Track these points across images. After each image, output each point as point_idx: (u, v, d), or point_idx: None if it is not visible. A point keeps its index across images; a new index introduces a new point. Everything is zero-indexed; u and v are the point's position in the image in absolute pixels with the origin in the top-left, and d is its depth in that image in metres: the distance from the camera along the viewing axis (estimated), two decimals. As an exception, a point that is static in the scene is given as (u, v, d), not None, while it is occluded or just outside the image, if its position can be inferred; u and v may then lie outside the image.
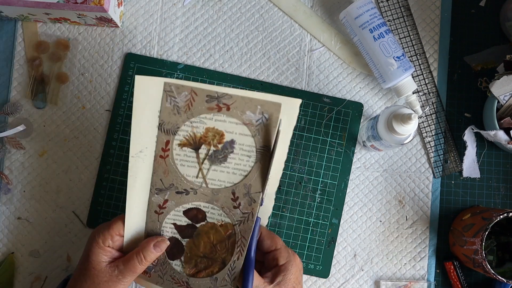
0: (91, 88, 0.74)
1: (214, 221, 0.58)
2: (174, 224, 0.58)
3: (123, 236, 0.58)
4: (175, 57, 0.74)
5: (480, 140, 0.73)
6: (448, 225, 0.72)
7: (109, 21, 0.71)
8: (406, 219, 0.73)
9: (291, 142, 0.73)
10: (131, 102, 0.73)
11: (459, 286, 0.70)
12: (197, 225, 0.58)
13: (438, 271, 0.72)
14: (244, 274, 0.57)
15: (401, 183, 0.73)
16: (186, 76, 0.74)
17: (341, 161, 0.73)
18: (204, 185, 0.56)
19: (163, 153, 0.55)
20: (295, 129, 0.71)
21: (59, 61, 0.73)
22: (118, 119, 0.73)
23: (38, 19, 0.73)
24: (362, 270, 0.72)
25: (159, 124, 0.54)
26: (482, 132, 0.69)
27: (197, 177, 0.56)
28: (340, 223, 0.72)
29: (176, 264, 0.59)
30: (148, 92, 0.54)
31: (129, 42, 0.74)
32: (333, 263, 0.72)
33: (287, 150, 0.56)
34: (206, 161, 0.56)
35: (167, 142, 0.55)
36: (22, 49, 0.74)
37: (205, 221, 0.58)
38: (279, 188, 0.72)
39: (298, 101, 0.53)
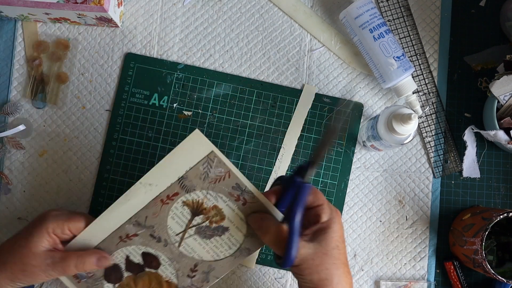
0: (91, 88, 0.74)
1: (163, 276, 0.60)
2: (127, 257, 0.59)
3: (75, 235, 0.58)
4: (175, 57, 0.74)
5: (480, 140, 0.73)
6: (448, 225, 0.72)
7: (109, 21, 0.71)
8: (406, 219, 0.73)
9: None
10: (131, 102, 0.73)
11: (459, 286, 0.70)
12: (146, 269, 0.60)
13: (438, 271, 0.72)
14: (287, 244, 0.52)
15: (401, 183, 0.73)
16: (186, 76, 0.74)
17: (341, 161, 0.73)
18: (177, 244, 0.58)
19: (165, 199, 0.57)
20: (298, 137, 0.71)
21: (59, 61, 0.73)
22: (118, 119, 0.73)
23: (38, 19, 0.73)
24: (362, 270, 0.72)
25: (182, 176, 0.57)
26: (482, 132, 0.69)
27: (176, 235, 0.58)
28: (340, 223, 0.72)
29: (108, 287, 0.60)
30: (195, 147, 0.56)
31: (129, 42, 0.74)
32: (333, 263, 0.72)
33: None
34: (193, 228, 0.58)
35: (176, 194, 0.57)
36: (22, 49, 0.74)
37: (155, 270, 0.59)
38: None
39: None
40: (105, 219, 0.58)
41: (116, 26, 0.73)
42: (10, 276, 0.56)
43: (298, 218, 0.52)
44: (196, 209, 0.58)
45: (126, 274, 0.60)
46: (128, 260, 0.59)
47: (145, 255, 0.59)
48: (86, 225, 0.58)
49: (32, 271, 0.56)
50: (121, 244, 0.59)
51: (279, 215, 0.56)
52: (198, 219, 0.58)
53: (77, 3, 0.65)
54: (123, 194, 0.57)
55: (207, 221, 0.58)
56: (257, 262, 0.71)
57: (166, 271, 0.59)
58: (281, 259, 0.52)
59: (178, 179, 0.56)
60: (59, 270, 0.56)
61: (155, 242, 0.58)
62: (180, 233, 0.58)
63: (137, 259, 0.59)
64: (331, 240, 0.53)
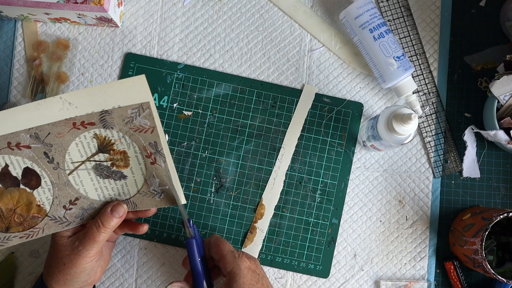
0: (91, 88, 0.74)
1: (36, 196, 0.56)
2: (6, 166, 0.54)
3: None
4: (175, 57, 0.74)
5: (480, 140, 0.73)
6: (448, 225, 0.72)
7: (109, 21, 0.71)
8: (406, 219, 0.73)
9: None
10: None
11: (459, 286, 0.70)
12: (21, 186, 0.55)
13: (438, 271, 0.72)
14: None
15: (401, 183, 0.73)
16: (186, 76, 0.74)
17: (341, 161, 0.73)
18: (68, 172, 0.56)
19: (79, 124, 0.54)
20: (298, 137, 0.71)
21: (59, 61, 0.73)
22: (118, 119, 0.73)
23: (38, 19, 0.73)
24: (362, 270, 0.72)
25: (106, 110, 0.54)
26: (482, 132, 0.69)
27: (72, 162, 0.55)
28: (340, 223, 0.72)
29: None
30: (134, 90, 0.54)
31: (129, 42, 0.74)
32: (333, 263, 0.72)
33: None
34: (93, 163, 0.56)
35: (91, 123, 0.54)
36: (22, 49, 0.74)
37: (31, 190, 0.56)
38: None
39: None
40: (2, 117, 0.52)
41: (116, 26, 0.73)
42: (61, 278, 0.58)
43: (198, 269, 0.59)
44: (104, 146, 0.55)
45: None
46: (5, 170, 0.54)
47: (27, 170, 0.55)
48: None
49: (70, 260, 0.57)
50: (6, 150, 0.53)
51: (178, 191, 0.59)
52: (101, 156, 0.56)
53: (77, 3, 0.65)
54: (35, 102, 0.53)
55: (110, 162, 0.56)
56: (257, 262, 0.71)
57: (43, 194, 0.56)
58: None
59: (101, 111, 0.54)
60: (89, 243, 0.57)
61: (45, 162, 0.54)
62: (77, 162, 0.55)
63: (16, 172, 0.55)
64: (243, 286, 0.57)
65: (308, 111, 0.73)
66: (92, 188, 0.57)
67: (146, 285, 0.71)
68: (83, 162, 0.56)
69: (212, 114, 0.73)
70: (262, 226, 0.71)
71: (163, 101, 0.73)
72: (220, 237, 0.62)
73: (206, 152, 0.72)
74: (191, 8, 0.75)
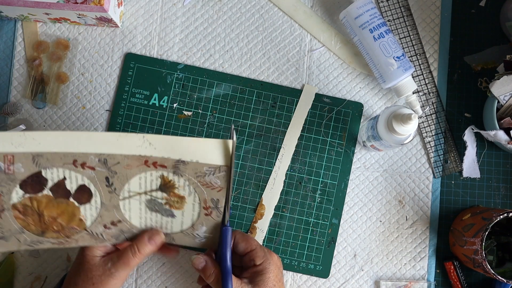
0: (91, 88, 0.74)
1: (81, 212, 0.56)
2: (64, 179, 0.54)
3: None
4: (175, 57, 0.74)
5: (480, 140, 0.73)
6: (448, 225, 0.72)
7: (109, 21, 0.71)
8: (406, 219, 0.73)
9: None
10: (131, 102, 0.73)
11: (459, 286, 0.70)
12: (70, 199, 0.55)
13: (438, 271, 0.72)
14: (222, 283, 0.57)
15: (401, 183, 0.73)
16: (186, 76, 0.74)
17: (341, 161, 0.73)
18: (121, 197, 0.56)
19: (150, 163, 0.55)
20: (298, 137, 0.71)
21: (59, 61, 0.73)
22: (118, 119, 0.73)
23: (38, 19, 0.73)
24: (362, 270, 0.72)
25: (183, 161, 0.55)
26: (482, 132, 0.69)
27: (129, 191, 0.56)
28: (340, 223, 0.72)
29: (17, 192, 0.54)
30: (217, 151, 0.55)
31: (129, 42, 0.74)
32: (333, 263, 0.72)
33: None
34: (148, 197, 0.56)
35: (163, 166, 0.55)
36: (22, 49, 0.74)
37: (78, 205, 0.56)
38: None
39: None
40: (79, 137, 0.52)
41: (116, 26, 0.73)
42: None
43: (227, 260, 0.57)
44: (166, 188, 0.56)
45: (46, 192, 0.54)
46: (61, 182, 0.54)
47: (82, 188, 0.55)
48: None
49: (101, 281, 0.57)
50: (70, 166, 0.53)
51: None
52: (159, 194, 0.56)
53: (77, 3, 0.65)
54: (117, 132, 0.53)
55: (165, 200, 0.57)
56: (257, 262, 0.71)
57: (89, 211, 0.56)
58: None
59: (178, 160, 0.54)
60: (122, 267, 0.57)
61: (104, 185, 0.55)
62: (134, 192, 0.56)
63: (71, 186, 0.55)
64: (267, 281, 0.58)
65: (308, 111, 0.73)
66: (137, 215, 0.58)
67: (146, 285, 0.71)
68: (139, 193, 0.56)
69: (212, 114, 0.73)
70: (262, 226, 0.71)
71: (163, 101, 0.73)
72: (245, 233, 0.62)
73: (206, 152, 0.72)
74: (191, 8, 0.75)
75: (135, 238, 0.59)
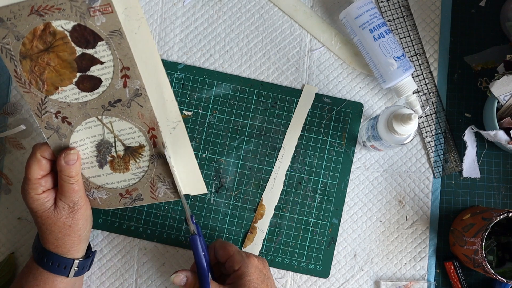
0: (91, 88, 0.74)
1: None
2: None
3: (45, 174, 0.58)
4: (175, 57, 0.74)
5: (480, 140, 0.73)
6: (448, 225, 0.72)
7: (109, 21, 0.71)
8: (406, 219, 0.73)
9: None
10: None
11: (459, 286, 0.70)
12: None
13: (438, 271, 0.72)
14: None
15: (401, 183, 0.73)
16: (186, 76, 0.74)
17: (341, 161, 0.73)
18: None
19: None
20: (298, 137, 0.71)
21: (59, 61, 0.73)
22: (118, 119, 0.73)
23: (38, 19, 0.73)
24: (362, 270, 0.72)
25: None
26: (482, 132, 0.69)
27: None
28: (340, 223, 0.72)
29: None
30: None
31: (129, 42, 0.74)
32: (333, 263, 0.72)
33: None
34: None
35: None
36: (22, 49, 0.74)
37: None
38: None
39: None
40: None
41: (116, 26, 0.73)
42: (76, 239, 0.59)
43: (202, 267, 0.59)
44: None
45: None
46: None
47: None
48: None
49: (72, 218, 0.58)
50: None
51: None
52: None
53: (77, 3, 0.65)
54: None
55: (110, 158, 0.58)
56: (257, 262, 0.71)
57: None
58: None
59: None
60: (74, 196, 0.58)
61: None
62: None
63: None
64: (248, 284, 0.59)
65: (308, 111, 0.73)
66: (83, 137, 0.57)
67: (146, 285, 0.71)
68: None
69: (212, 114, 0.73)
70: (262, 226, 0.71)
71: (163, 101, 0.73)
72: (224, 241, 0.63)
73: (206, 152, 0.72)
74: (191, 8, 0.75)
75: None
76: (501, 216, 0.62)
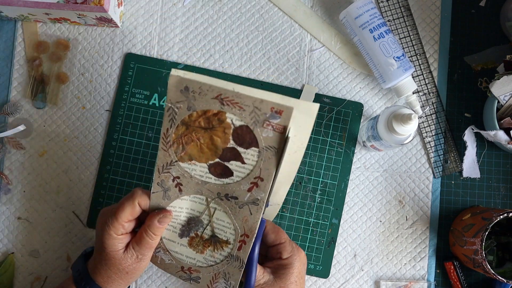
0: (91, 88, 0.74)
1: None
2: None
3: (131, 220, 0.58)
4: (175, 57, 0.74)
5: (480, 140, 0.73)
6: (448, 225, 0.72)
7: (109, 21, 0.71)
8: (406, 219, 0.73)
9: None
10: (131, 102, 0.73)
11: (459, 286, 0.70)
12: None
13: (438, 271, 0.72)
14: (247, 272, 0.58)
15: (401, 183, 0.73)
16: (186, 76, 0.74)
17: (341, 161, 0.73)
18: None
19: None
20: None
21: (59, 61, 0.73)
22: (118, 119, 0.73)
23: (38, 19, 0.73)
24: (362, 270, 0.72)
25: None
26: (482, 132, 0.69)
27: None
28: (340, 223, 0.72)
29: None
30: None
31: (129, 42, 0.74)
32: (333, 263, 0.72)
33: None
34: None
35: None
36: (22, 49, 0.74)
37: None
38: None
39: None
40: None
41: (116, 26, 0.73)
42: (123, 283, 0.60)
43: (254, 250, 0.58)
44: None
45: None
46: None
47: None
48: (145, 194, 0.58)
49: (133, 268, 0.58)
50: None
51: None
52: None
53: (77, 3, 0.65)
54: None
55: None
56: (257, 262, 0.71)
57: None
58: (243, 285, 0.58)
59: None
60: (147, 251, 0.58)
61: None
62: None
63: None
64: (290, 275, 0.59)
65: (308, 111, 0.73)
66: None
67: (146, 285, 0.71)
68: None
69: (212, 114, 0.73)
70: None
71: (163, 101, 0.73)
72: (276, 225, 0.62)
73: (206, 152, 0.72)
74: (191, 8, 0.75)
75: (146, 219, 0.58)
76: (501, 216, 0.62)
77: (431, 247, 0.72)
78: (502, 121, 0.68)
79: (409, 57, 0.74)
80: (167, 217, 0.58)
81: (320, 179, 0.72)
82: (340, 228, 0.72)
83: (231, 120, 0.51)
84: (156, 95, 0.73)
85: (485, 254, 0.63)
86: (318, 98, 0.73)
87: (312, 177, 0.72)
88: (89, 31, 0.74)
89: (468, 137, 0.72)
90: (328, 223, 0.72)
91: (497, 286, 0.70)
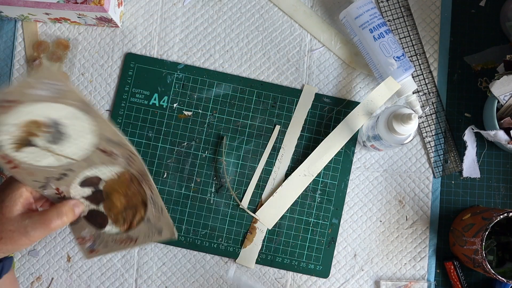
0: (91, 88, 0.74)
1: (110, 176, 0.57)
2: (82, 197, 0.58)
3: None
4: (175, 57, 0.74)
5: (480, 140, 0.73)
6: (448, 225, 0.72)
7: (109, 21, 0.71)
8: (406, 219, 0.73)
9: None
10: (131, 102, 0.73)
11: (459, 286, 0.70)
12: (100, 187, 0.58)
13: (438, 271, 0.72)
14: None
15: (401, 183, 0.73)
16: (186, 76, 0.74)
17: (341, 161, 0.73)
18: (72, 161, 0.55)
19: (9, 165, 0.53)
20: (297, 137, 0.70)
21: (59, 61, 0.73)
22: (118, 119, 0.73)
23: (38, 19, 0.73)
24: (362, 270, 0.72)
25: None
26: (482, 132, 0.69)
27: (58, 161, 0.55)
28: (340, 223, 0.72)
29: (109, 229, 0.59)
30: None
31: (129, 42, 0.74)
32: (333, 263, 0.72)
33: None
34: (53, 146, 0.54)
35: (3, 156, 0.53)
36: (22, 49, 0.74)
37: (103, 180, 0.57)
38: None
39: None
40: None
41: (116, 26, 0.73)
42: None
43: None
44: (24, 141, 0.53)
45: (101, 208, 0.59)
46: (87, 198, 0.59)
47: (83, 184, 0.57)
48: None
49: (11, 237, 0.53)
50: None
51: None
52: (40, 141, 0.54)
53: (77, 3, 0.65)
54: None
55: (42, 134, 0.54)
56: (257, 262, 0.71)
57: (105, 173, 0.58)
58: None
59: None
60: (40, 227, 0.53)
61: (67, 178, 0.57)
62: (57, 159, 0.55)
63: (87, 190, 0.58)
64: None
65: (308, 111, 0.73)
66: (81, 149, 0.56)
67: (146, 285, 0.72)
68: (56, 154, 0.55)
69: (212, 114, 0.73)
70: (262, 226, 0.71)
71: (163, 101, 0.73)
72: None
73: (206, 152, 0.72)
74: (191, 8, 0.75)
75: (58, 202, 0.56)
76: (501, 216, 0.62)
77: (431, 247, 0.72)
78: (502, 121, 0.68)
79: (409, 57, 0.74)
80: (81, 205, 0.57)
81: (320, 179, 0.72)
82: (340, 228, 0.72)
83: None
84: (156, 95, 0.73)
85: (485, 254, 0.63)
86: (318, 98, 0.73)
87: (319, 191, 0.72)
88: (89, 31, 0.74)
89: (468, 137, 0.72)
90: (328, 223, 0.72)
91: (497, 286, 0.70)
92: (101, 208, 0.59)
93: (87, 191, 0.58)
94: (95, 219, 0.59)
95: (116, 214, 0.59)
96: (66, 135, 0.54)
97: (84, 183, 0.58)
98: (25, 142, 0.53)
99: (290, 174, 0.72)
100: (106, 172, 0.57)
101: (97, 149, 0.55)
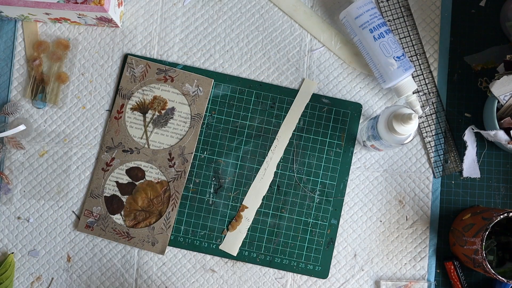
0: (91, 88, 0.74)
1: (152, 179, 0.68)
2: (117, 182, 0.68)
3: None
4: (175, 57, 0.74)
5: (480, 140, 0.73)
6: (448, 225, 0.72)
7: (109, 21, 0.71)
8: (406, 219, 0.73)
9: (290, 142, 0.73)
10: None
11: (460, 286, 0.70)
12: (136, 183, 0.68)
13: (438, 271, 0.72)
14: None
15: (401, 183, 0.73)
16: (186, 76, 0.74)
17: (340, 161, 0.73)
18: (146, 146, 0.67)
19: (117, 114, 0.67)
20: (294, 130, 0.71)
21: (59, 61, 0.74)
22: (118, 119, 0.73)
23: (38, 19, 0.73)
24: (362, 270, 0.72)
25: (118, 88, 0.70)
26: (482, 132, 0.69)
27: (141, 137, 0.68)
28: (340, 223, 0.72)
29: (117, 218, 0.68)
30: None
31: (129, 42, 0.74)
32: (333, 263, 0.72)
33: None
34: (150, 124, 0.67)
35: (122, 105, 0.68)
36: (22, 49, 0.74)
37: (144, 179, 0.68)
38: (277, 188, 0.72)
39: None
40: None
41: (116, 26, 0.73)
42: None
43: None
44: (143, 108, 0.68)
45: (124, 199, 0.67)
46: (119, 185, 0.69)
47: (128, 171, 0.67)
48: None
49: None
50: (106, 174, 0.69)
51: None
52: (149, 115, 0.68)
53: (77, 3, 0.65)
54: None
55: (156, 112, 0.68)
56: (257, 263, 0.71)
57: (152, 174, 0.68)
58: None
59: (118, 92, 0.70)
60: None
61: (129, 155, 0.67)
62: (142, 135, 0.68)
63: (125, 179, 0.69)
64: None
65: (308, 112, 0.73)
66: (168, 138, 0.70)
67: (146, 285, 0.72)
68: (145, 131, 0.70)
69: (211, 115, 0.73)
70: (248, 215, 0.71)
71: (163, 101, 0.73)
72: None
73: (205, 153, 0.72)
74: (191, 8, 0.75)
75: None
76: (501, 216, 0.62)
77: (431, 247, 0.72)
78: (502, 121, 0.68)
79: (409, 57, 0.74)
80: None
81: (319, 180, 0.72)
82: (340, 228, 0.72)
83: None
84: (156, 95, 0.73)
85: (485, 254, 0.63)
86: (317, 98, 0.73)
87: (311, 178, 0.72)
88: (89, 31, 0.74)
89: (468, 137, 0.72)
90: (326, 224, 0.72)
91: (497, 286, 0.70)
92: (123, 198, 0.68)
93: (125, 179, 0.68)
94: (111, 203, 0.68)
95: (132, 210, 0.68)
96: (167, 125, 0.68)
97: (130, 171, 0.68)
98: (142, 108, 0.68)
99: (288, 175, 0.72)
100: (153, 173, 0.68)
101: (169, 152, 0.68)
